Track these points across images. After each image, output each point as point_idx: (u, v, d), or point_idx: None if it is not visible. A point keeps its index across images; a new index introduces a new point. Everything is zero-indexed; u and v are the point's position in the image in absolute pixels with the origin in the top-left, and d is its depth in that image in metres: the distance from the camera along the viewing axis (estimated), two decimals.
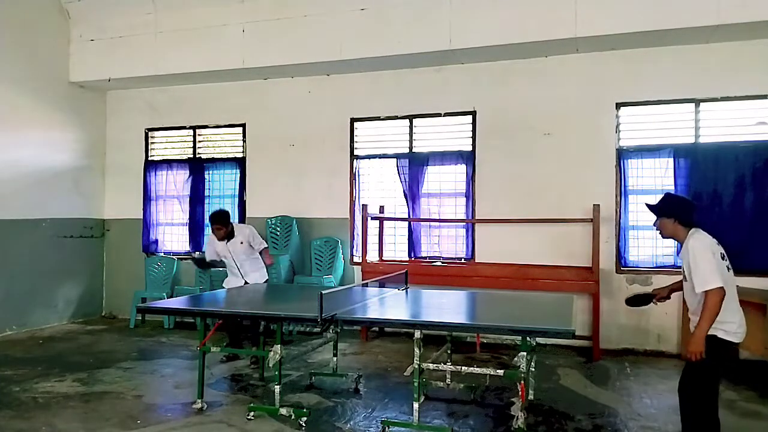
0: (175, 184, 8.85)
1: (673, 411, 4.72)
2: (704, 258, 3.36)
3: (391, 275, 5.74)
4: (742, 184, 6.47)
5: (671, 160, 6.73)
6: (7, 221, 7.63)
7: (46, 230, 8.17)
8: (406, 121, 7.80)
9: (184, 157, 8.88)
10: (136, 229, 8.94)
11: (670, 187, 6.71)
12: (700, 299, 3.40)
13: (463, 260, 7.50)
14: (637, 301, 4.09)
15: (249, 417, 4.47)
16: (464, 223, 7.54)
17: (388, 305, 4.85)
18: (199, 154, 8.84)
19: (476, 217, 7.41)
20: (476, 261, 7.38)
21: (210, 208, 8.69)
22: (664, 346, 6.71)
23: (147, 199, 8.96)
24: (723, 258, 3.48)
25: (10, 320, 7.68)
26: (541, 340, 6.61)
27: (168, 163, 8.94)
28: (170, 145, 9.06)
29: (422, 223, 7.70)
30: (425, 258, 7.67)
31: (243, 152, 8.53)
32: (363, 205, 7.55)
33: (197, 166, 8.74)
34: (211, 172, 8.74)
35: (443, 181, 7.65)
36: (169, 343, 7.18)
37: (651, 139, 6.87)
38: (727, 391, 5.24)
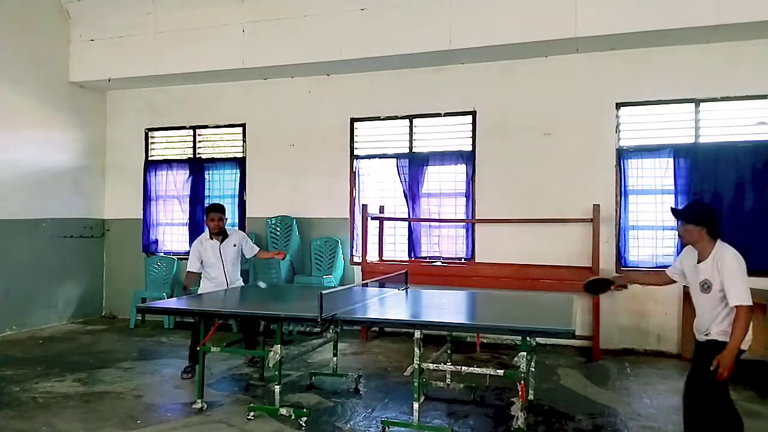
0: (175, 184, 8.85)
1: (673, 411, 4.73)
2: (742, 273, 3.40)
3: (391, 275, 5.75)
4: (742, 185, 6.47)
5: (671, 160, 6.72)
6: (7, 221, 7.63)
7: (46, 230, 8.17)
8: (406, 121, 7.80)
9: (184, 157, 8.88)
10: (136, 229, 8.94)
11: (670, 187, 6.72)
12: (718, 314, 3.42)
13: (463, 260, 7.50)
14: (594, 286, 4.17)
15: (249, 417, 4.47)
16: (464, 223, 7.54)
17: (388, 305, 4.85)
18: (199, 154, 8.84)
19: (476, 217, 7.41)
20: (476, 261, 7.38)
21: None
22: (664, 346, 6.71)
23: (147, 199, 8.96)
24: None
25: (10, 320, 7.68)
26: (541, 340, 6.61)
27: (168, 163, 8.94)
28: (170, 145, 9.06)
29: (422, 223, 7.70)
30: (425, 258, 7.66)
31: (243, 152, 8.53)
32: (363, 205, 7.55)
33: (197, 166, 8.74)
34: (211, 172, 8.74)
35: (443, 181, 7.65)
36: (169, 343, 7.18)
37: (651, 139, 6.87)
38: None
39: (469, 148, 7.50)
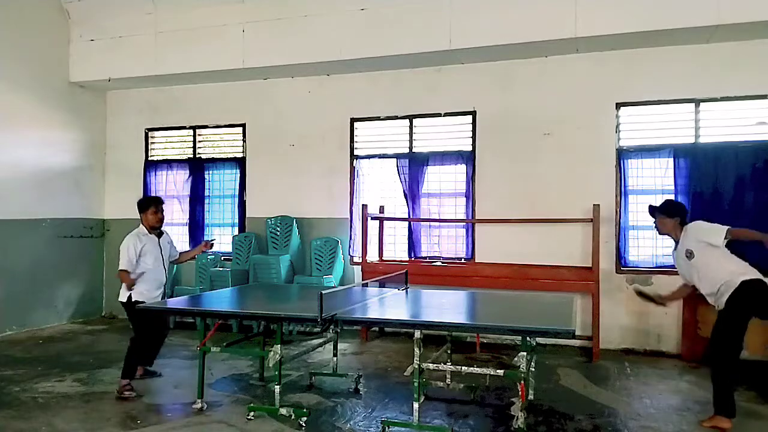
0: (175, 184, 8.84)
1: (673, 411, 4.74)
2: (705, 222, 4.50)
3: (391, 275, 5.74)
4: (742, 184, 6.47)
5: (671, 160, 6.73)
6: (7, 221, 7.63)
7: (46, 230, 8.17)
8: (406, 121, 7.80)
9: (184, 157, 8.88)
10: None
11: (670, 187, 6.72)
12: (718, 263, 4.31)
13: (463, 260, 7.50)
14: (644, 297, 5.02)
15: (249, 417, 4.47)
16: (464, 223, 7.54)
17: (388, 305, 4.85)
18: (199, 154, 8.84)
19: (476, 217, 7.41)
20: (476, 261, 7.37)
21: (210, 208, 8.72)
22: (664, 346, 6.71)
23: None
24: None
25: (10, 320, 7.68)
26: (541, 340, 6.61)
27: (168, 163, 8.94)
28: (170, 145, 9.06)
29: (422, 223, 7.70)
30: (425, 258, 7.66)
31: (243, 152, 8.53)
32: (363, 205, 7.55)
33: (197, 166, 8.74)
34: (211, 172, 8.74)
35: (443, 181, 7.65)
36: (169, 343, 7.13)
37: (651, 139, 6.87)
38: None
39: (469, 148, 7.50)
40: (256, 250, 8.08)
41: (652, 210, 4.71)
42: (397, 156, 7.82)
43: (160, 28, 8.08)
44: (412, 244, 7.74)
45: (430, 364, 4.24)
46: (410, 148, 7.79)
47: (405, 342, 7.03)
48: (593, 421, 4.53)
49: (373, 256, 7.64)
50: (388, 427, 4.21)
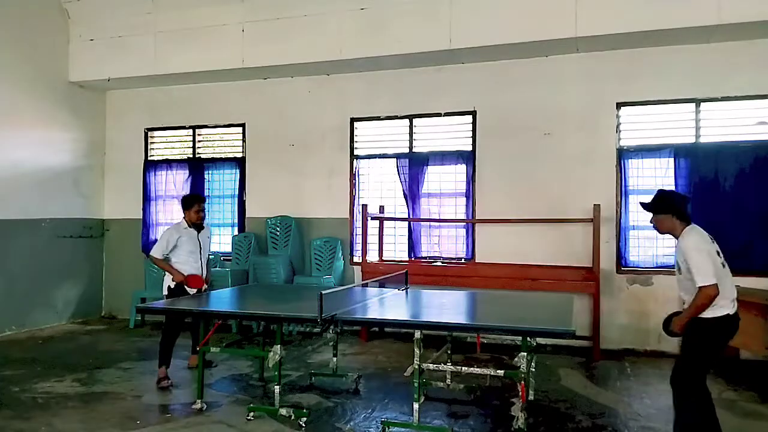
0: (174, 184, 8.84)
1: (673, 411, 4.72)
2: (699, 253, 3.50)
3: (391, 275, 5.74)
4: (742, 184, 6.46)
5: (672, 160, 6.72)
6: (7, 221, 7.63)
7: (45, 230, 8.17)
8: (406, 121, 7.80)
9: (184, 157, 8.88)
10: (135, 229, 8.93)
11: (671, 187, 6.70)
12: (695, 292, 3.51)
13: (463, 260, 7.50)
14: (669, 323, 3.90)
15: (249, 417, 4.47)
16: (464, 223, 7.53)
17: (388, 305, 4.85)
18: (198, 154, 8.84)
19: (476, 217, 7.41)
20: (476, 261, 7.37)
21: (210, 208, 8.70)
22: (664, 346, 6.70)
23: (147, 199, 8.95)
24: (718, 254, 3.62)
25: (9, 320, 7.67)
26: (541, 340, 6.60)
27: (168, 163, 8.93)
28: (170, 145, 9.06)
29: (422, 223, 7.70)
30: (425, 258, 7.66)
31: (243, 152, 8.53)
32: (363, 205, 7.55)
33: (197, 166, 8.73)
34: (210, 172, 8.74)
35: (443, 181, 7.65)
36: None
37: (651, 139, 6.87)
38: (727, 391, 5.24)
39: (469, 148, 7.49)
40: (255, 250, 8.08)
41: (644, 207, 3.90)
42: (397, 156, 7.81)
43: (160, 28, 8.07)
44: (412, 244, 7.73)
45: (430, 365, 4.24)
46: (410, 148, 7.78)
47: (405, 342, 7.02)
48: (593, 421, 4.53)
49: (373, 256, 7.63)
50: (388, 428, 4.21)
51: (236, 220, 8.56)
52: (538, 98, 7.18)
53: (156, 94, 8.89)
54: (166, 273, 5.66)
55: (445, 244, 7.67)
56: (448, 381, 5.15)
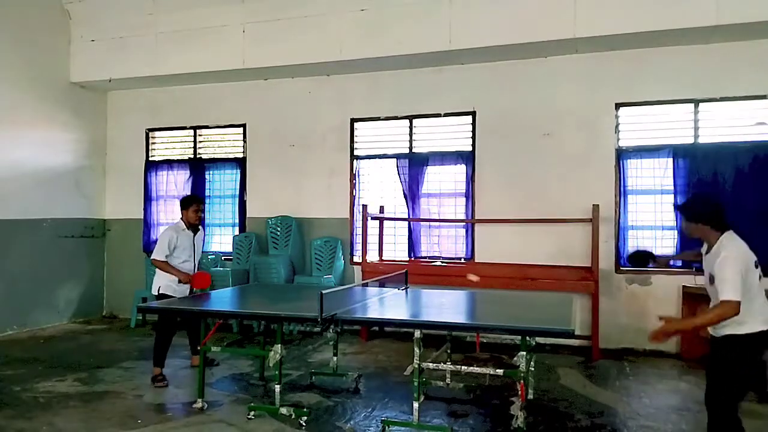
0: (175, 184, 8.86)
1: (673, 411, 4.75)
2: (732, 269, 3.21)
3: (391, 275, 5.76)
4: (741, 185, 6.47)
5: (670, 160, 6.74)
6: (8, 221, 7.65)
7: (47, 230, 8.19)
8: (406, 122, 7.82)
9: (185, 157, 8.90)
10: (136, 229, 8.95)
11: (670, 187, 6.73)
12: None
13: (462, 260, 7.51)
14: (638, 258, 4.16)
15: (249, 416, 4.49)
16: (464, 223, 7.55)
17: (388, 305, 4.87)
18: (199, 154, 8.86)
19: (476, 217, 7.42)
20: (476, 261, 7.39)
21: (210, 208, 8.72)
22: (663, 346, 6.66)
23: (148, 199, 8.97)
24: (756, 266, 3.36)
25: (11, 320, 7.69)
26: (540, 339, 6.62)
27: (168, 164, 8.95)
28: (171, 146, 9.08)
29: (422, 223, 7.72)
30: (425, 258, 7.68)
31: (243, 152, 8.54)
32: (363, 205, 7.56)
33: (198, 167, 8.75)
34: (211, 172, 8.75)
35: (443, 181, 7.66)
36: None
37: (650, 139, 6.89)
38: None
39: (469, 148, 7.51)
40: (256, 250, 8.10)
41: (678, 209, 3.81)
42: (397, 156, 7.83)
43: (161, 29, 8.09)
44: (412, 244, 7.75)
45: (430, 364, 4.25)
46: (410, 148, 7.80)
47: (405, 342, 7.03)
48: (592, 420, 4.55)
49: (373, 256, 7.65)
50: (388, 427, 4.23)
51: (237, 220, 8.58)
52: (538, 99, 7.19)
53: (157, 95, 8.91)
54: (156, 275, 5.61)
55: (444, 243, 7.69)
56: (448, 380, 5.17)
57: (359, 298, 5.14)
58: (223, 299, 5.41)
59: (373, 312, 4.67)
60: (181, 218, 5.73)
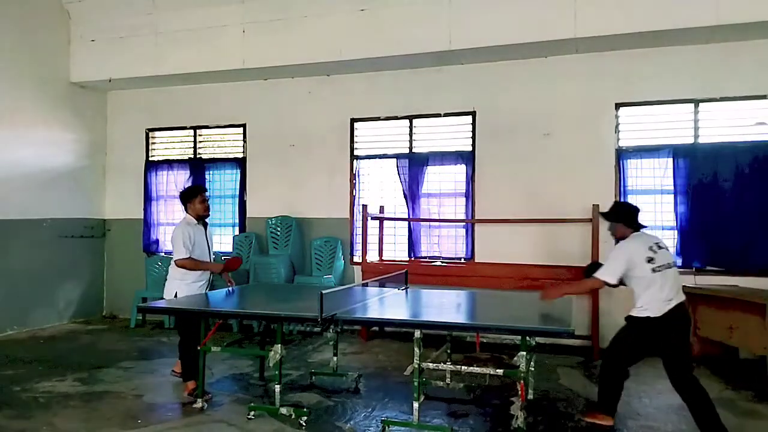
0: (175, 184, 8.85)
1: (672, 410, 4.74)
2: (616, 259, 4.13)
3: (391, 275, 5.76)
4: (741, 185, 6.47)
5: (670, 160, 6.74)
6: (8, 221, 7.64)
7: (47, 230, 8.19)
8: (406, 122, 7.82)
9: (185, 157, 8.90)
10: (136, 229, 8.95)
11: (669, 187, 6.73)
12: (635, 294, 4.19)
13: (462, 260, 7.52)
14: (593, 269, 4.59)
15: (249, 416, 4.49)
16: (464, 223, 7.55)
17: (388, 305, 4.87)
18: (199, 154, 8.86)
19: (476, 217, 7.42)
20: (476, 261, 7.39)
21: (211, 208, 8.68)
22: None
23: (148, 199, 8.97)
24: (648, 261, 4.06)
25: (11, 320, 7.69)
26: (540, 339, 6.61)
27: (168, 164, 8.95)
28: (171, 146, 9.08)
29: (422, 223, 7.72)
30: (425, 258, 7.68)
31: (243, 152, 8.55)
32: (363, 205, 7.56)
33: (198, 167, 8.75)
34: (211, 172, 8.75)
35: (443, 181, 7.67)
36: (170, 343, 7.18)
37: (650, 139, 6.89)
38: (727, 390, 5.26)
39: (469, 149, 7.51)
40: (256, 250, 8.10)
41: (602, 215, 4.50)
42: (397, 156, 7.83)
43: (161, 29, 8.09)
44: (412, 244, 7.75)
45: (430, 364, 4.25)
46: (410, 148, 7.80)
47: (405, 342, 7.04)
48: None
49: (373, 256, 7.65)
50: (388, 427, 4.23)
51: (237, 220, 8.58)
52: (538, 98, 7.19)
53: (157, 95, 8.91)
54: (169, 279, 5.21)
55: (444, 244, 7.69)
56: (448, 380, 5.17)
57: (359, 298, 5.14)
58: (223, 299, 5.40)
59: (373, 312, 4.67)
60: (187, 213, 5.31)
